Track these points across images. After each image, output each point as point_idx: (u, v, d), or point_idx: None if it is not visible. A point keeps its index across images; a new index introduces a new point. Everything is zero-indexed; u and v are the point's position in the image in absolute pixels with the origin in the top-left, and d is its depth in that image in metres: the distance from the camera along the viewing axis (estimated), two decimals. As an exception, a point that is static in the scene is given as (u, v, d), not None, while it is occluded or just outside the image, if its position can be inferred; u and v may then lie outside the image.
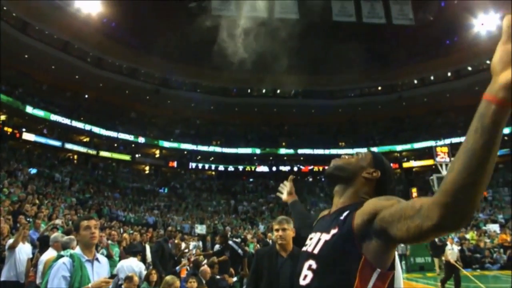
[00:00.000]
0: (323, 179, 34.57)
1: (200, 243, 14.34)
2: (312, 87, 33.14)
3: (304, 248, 1.31)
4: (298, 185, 32.81)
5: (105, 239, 6.75)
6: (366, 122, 34.49)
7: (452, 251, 9.36)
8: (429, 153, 28.00)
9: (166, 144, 32.10)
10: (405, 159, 33.72)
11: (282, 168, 33.94)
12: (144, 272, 5.15)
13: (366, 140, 33.87)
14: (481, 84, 30.10)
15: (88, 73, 27.24)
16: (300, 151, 34.14)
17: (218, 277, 6.96)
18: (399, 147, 33.23)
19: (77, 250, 2.61)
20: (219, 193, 30.65)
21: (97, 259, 2.64)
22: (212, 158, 34.12)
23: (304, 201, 28.62)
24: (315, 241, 1.23)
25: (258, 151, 34.04)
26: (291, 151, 34.27)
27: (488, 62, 29.54)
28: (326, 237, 1.19)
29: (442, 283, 9.15)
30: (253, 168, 33.78)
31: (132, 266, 5.11)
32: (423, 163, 31.40)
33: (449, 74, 31.45)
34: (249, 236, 16.73)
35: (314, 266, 1.18)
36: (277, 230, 2.77)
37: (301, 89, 34.11)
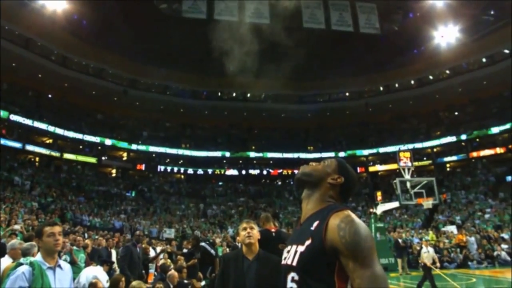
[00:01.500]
0: (292, 183, 35.01)
1: (169, 246, 14.13)
2: (282, 92, 33.56)
3: (283, 262, 1.39)
4: (267, 189, 33.16)
5: (69, 245, 6.55)
6: (334, 127, 35.28)
7: (427, 253, 9.47)
8: (394, 157, 28.97)
9: (134, 146, 31.44)
10: (371, 163, 34.74)
11: (252, 171, 34.08)
12: (107, 284, 5.03)
13: (334, 145, 34.65)
14: (440, 92, 31.77)
15: (52, 72, 26.24)
16: (269, 154, 34.43)
17: (186, 281, 6.94)
18: (365, 152, 34.21)
19: (38, 257, 2.51)
20: (188, 196, 30.34)
21: (59, 265, 2.56)
22: (181, 161, 33.74)
23: (273, 204, 28.88)
24: (292, 253, 1.32)
25: (227, 154, 34.01)
26: (260, 154, 34.50)
27: (448, 72, 31.15)
28: (301, 249, 1.29)
29: (418, 285, 9.27)
30: (222, 171, 33.69)
31: (96, 276, 4.97)
32: (388, 167, 32.50)
33: (412, 82, 32.80)
34: (218, 240, 16.68)
35: (296, 277, 1.28)
36: (245, 228, 2.77)
37: (270, 94, 34.49)
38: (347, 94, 35.16)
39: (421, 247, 10.04)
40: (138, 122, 33.44)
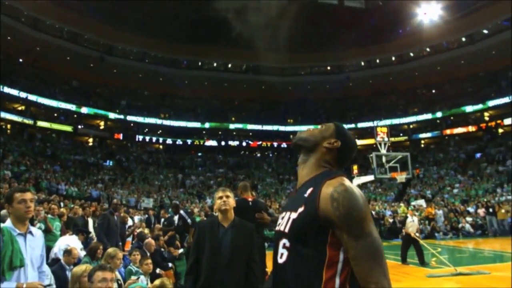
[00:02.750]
0: (271, 155, 35.37)
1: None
2: (263, 63, 33.23)
3: (277, 228, 1.36)
4: (246, 160, 33.39)
5: (43, 213, 6.49)
6: (314, 100, 35.40)
7: (412, 223, 9.13)
8: (371, 132, 29.54)
9: (112, 115, 30.78)
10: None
11: (231, 142, 34.17)
12: (82, 253, 5.04)
13: (314, 118, 34.85)
14: (420, 69, 32.09)
15: (22, 35, 24.97)
16: (249, 126, 34.48)
17: (163, 249, 7.06)
18: (344, 126, 34.61)
19: (8, 223, 2.44)
20: (167, 167, 30.26)
21: (30, 232, 2.51)
22: (160, 131, 33.37)
23: (251, 176, 29.20)
24: (286, 220, 1.29)
25: (207, 125, 33.84)
26: (240, 126, 34.50)
27: (428, 49, 31.44)
28: (293, 215, 1.26)
29: (402, 256, 8.96)
30: (201, 142, 33.62)
31: (69, 244, 4.97)
32: (365, 141, 33.10)
33: (393, 58, 33.01)
34: (196, 210, 16.88)
35: (287, 244, 1.26)
36: (220, 197, 2.78)
37: (252, 65, 34.09)
38: (328, 68, 35.16)
39: (406, 216, 9.64)
40: (115, 90, 32.58)
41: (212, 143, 33.83)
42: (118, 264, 3.75)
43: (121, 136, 31.15)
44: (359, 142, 34.48)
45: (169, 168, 29.92)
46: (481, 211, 17.36)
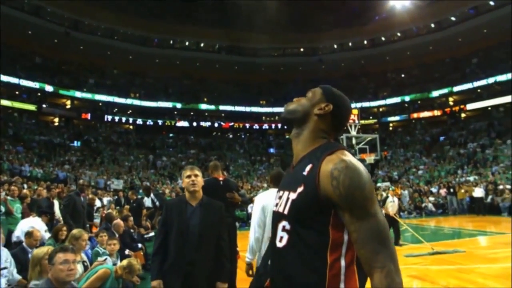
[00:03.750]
0: (243, 136, 35.37)
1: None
2: (236, 44, 32.80)
3: (275, 208, 1.26)
4: (218, 141, 33.27)
5: (3, 194, 6.23)
6: (287, 82, 35.47)
7: (393, 203, 8.99)
8: (342, 115, 29.93)
9: (79, 94, 29.63)
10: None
11: (203, 123, 33.87)
12: (46, 234, 4.90)
13: (286, 100, 34.43)
14: (391, 54, 32.65)
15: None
16: (221, 107, 34.22)
17: (132, 230, 6.99)
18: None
19: None
20: (137, 147, 29.69)
21: None
22: (130, 111, 32.53)
23: (223, 157, 29.18)
24: (284, 200, 1.19)
25: (178, 105, 33.29)
26: (212, 107, 34.18)
27: (399, 34, 31.99)
28: (292, 196, 1.15)
29: None
30: (173, 122, 33.12)
31: (33, 226, 4.83)
32: (336, 124, 33.65)
33: (365, 42, 33.40)
34: (167, 191, 16.77)
35: (287, 227, 1.16)
36: (189, 176, 2.69)
37: (225, 45, 33.57)
38: (301, 49, 35.15)
39: (387, 196, 9.49)
40: (83, 68, 31.30)
41: (183, 123, 33.40)
42: (83, 246, 3.67)
43: (89, 116, 30.14)
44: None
45: (140, 149, 29.38)
46: (443, 191, 18.24)
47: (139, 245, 6.25)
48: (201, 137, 33.22)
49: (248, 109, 34.70)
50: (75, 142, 27.03)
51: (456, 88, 29.77)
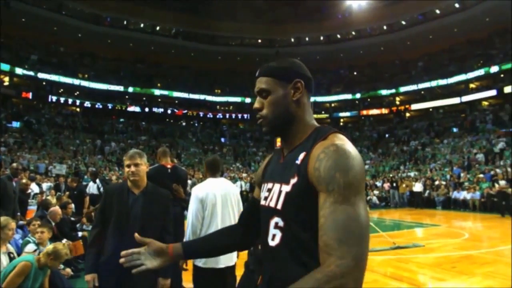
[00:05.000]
0: (196, 124, 34.88)
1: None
2: (194, 30, 32.09)
3: (263, 202, 1.12)
4: (170, 128, 32.56)
5: None
6: (243, 72, 35.37)
7: None
8: (296, 108, 30.48)
9: (19, 71, 27.38)
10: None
11: (156, 110, 32.92)
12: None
13: (242, 91, 34.98)
14: (345, 51, 33.64)
15: None
16: (175, 94, 33.41)
17: (73, 218, 6.62)
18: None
19: None
20: (84, 131, 28.21)
21: None
22: (78, 92, 30.76)
23: (175, 145, 28.60)
24: (276, 194, 1.05)
25: (130, 89, 32.02)
26: (165, 93, 33.25)
27: (353, 33, 33.01)
28: (286, 188, 1.02)
29: None
30: (124, 107, 31.82)
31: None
32: (290, 117, 34.28)
33: (321, 38, 34.11)
34: (114, 178, 16.14)
35: (281, 223, 1.02)
36: (128, 165, 2.45)
37: (182, 29, 32.71)
38: (259, 41, 35.14)
39: None
40: (24, 42, 28.94)
41: (135, 108, 32.22)
42: (10, 235, 3.34)
43: (30, 95, 28.00)
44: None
45: (87, 133, 27.95)
46: (387, 185, 19.29)
47: (80, 234, 5.93)
48: (153, 123, 32.28)
49: (202, 97, 34.22)
50: (14, 122, 25.08)
51: (402, 89, 31.44)
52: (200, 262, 2.79)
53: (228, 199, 2.95)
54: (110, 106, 31.25)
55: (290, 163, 1.05)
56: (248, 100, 34.94)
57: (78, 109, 31.08)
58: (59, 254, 3.05)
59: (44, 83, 28.75)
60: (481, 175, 16.99)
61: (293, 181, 1.01)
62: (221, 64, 34.76)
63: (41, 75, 28.15)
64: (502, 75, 26.22)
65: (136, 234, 1.23)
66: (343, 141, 0.99)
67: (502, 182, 13.90)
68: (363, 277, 0.85)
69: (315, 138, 1.05)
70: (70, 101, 29.98)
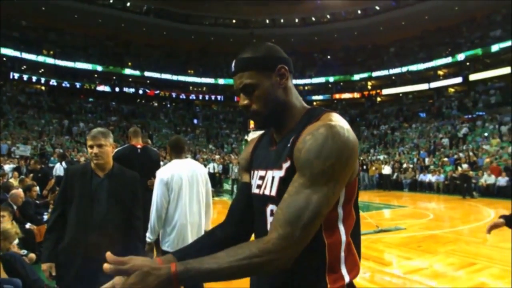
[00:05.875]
0: (168, 105, 34.22)
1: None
2: (166, 7, 31.06)
3: (257, 191, 1.08)
4: (142, 109, 31.82)
5: None
6: (217, 53, 34.80)
7: None
8: (269, 91, 30.46)
9: (-24, 45, 25.75)
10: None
11: (126, 89, 31.97)
12: None
13: (215, 72, 34.49)
14: (319, 35, 33.69)
15: None
16: (146, 73, 32.47)
17: (38, 202, 6.38)
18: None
19: None
20: (50, 111, 27.06)
21: None
22: (42, 70, 29.32)
23: (147, 126, 28.03)
24: (269, 181, 1.03)
25: (99, 68, 30.84)
26: (137, 72, 32.26)
27: (328, 16, 32.99)
28: (279, 173, 1.00)
29: None
30: (93, 86, 30.69)
31: None
32: (263, 99, 34.27)
33: (296, 20, 33.91)
34: (82, 159, 15.67)
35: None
36: (91, 146, 2.24)
37: (154, 7, 31.58)
38: (233, 21, 34.52)
39: None
40: (-18, 15, 27.09)
41: (104, 88, 31.16)
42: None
43: (-11, 72, 26.48)
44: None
45: (53, 113, 26.83)
46: (357, 168, 19.78)
47: (45, 218, 5.72)
48: (124, 103, 31.38)
49: (175, 77, 33.48)
50: (-27, 100, 23.69)
51: (374, 74, 31.95)
52: (169, 247, 2.72)
53: (195, 180, 2.85)
54: (78, 85, 30.07)
55: (282, 148, 1.03)
56: (221, 81, 34.53)
57: (43, 88, 29.72)
58: (8, 234, 2.88)
59: (5, 59, 27.17)
60: (446, 159, 17.73)
61: (286, 165, 0.99)
62: (194, 44, 34.01)
63: (2, 51, 26.54)
64: (467, 63, 27.15)
65: (109, 253, 0.93)
66: (336, 121, 0.95)
67: (465, 166, 14.54)
68: (292, 260, 0.88)
69: (307, 120, 1.02)
70: (34, 78, 28.59)
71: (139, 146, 3.86)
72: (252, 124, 17.52)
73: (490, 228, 2.41)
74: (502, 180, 14.13)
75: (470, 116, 23.47)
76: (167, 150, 3.03)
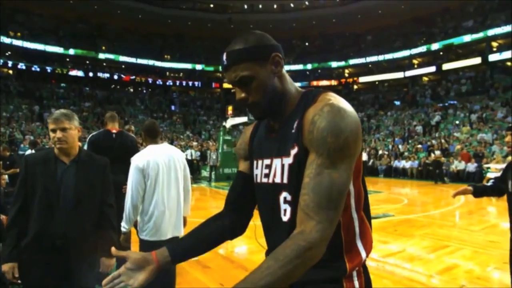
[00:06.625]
0: (144, 91, 33.51)
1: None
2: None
3: (265, 180, 1.06)
4: (117, 95, 31.05)
5: None
6: (194, 38, 34.17)
7: None
8: (248, 77, 30.33)
9: None
10: (226, 80, 35.86)
11: (100, 74, 31.01)
12: None
13: (192, 57, 33.92)
14: (298, 21, 33.60)
15: None
16: (121, 58, 31.54)
17: (7, 190, 6.14)
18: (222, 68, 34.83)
19: None
20: (19, 96, 25.97)
21: None
22: (9, 52, 27.96)
23: (122, 113, 27.39)
24: (278, 168, 1.01)
25: (71, 51, 29.68)
26: (111, 57, 31.29)
27: (307, 3, 32.86)
28: (288, 160, 0.99)
29: None
30: (65, 71, 29.58)
31: None
32: (241, 85, 34.16)
33: (275, 6, 33.61)
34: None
35: (289, 198, 0.99)
36: (53, 130, 2.04)
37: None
38: (211, 5, 33.87)
39: None
40: None
41: (78, 73, 30.10)
42: None
43: (-48, 54, 25.07)
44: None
45: (22, 98, 25.78)
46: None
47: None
48: (98, 89, 30.48)
49: (151, 62, 32.69)
50: None
51: (352, 61, 32.24)
52: (147, 236, 2.65)
53: (172, 166, 2.75)
54: (49, 69, 28.91)
55: (286, 134, 1.01)
56: (199, 67, 34.01)
57: (10, 71, 28.41)
58: None
59: (-32, 40, 25.76)
60: (419, 146, 18.24)
61: (294, 151, 0.98)
62: (171, 29, 33.25)
63: (-35, 31, 25.14)
64: (441, 53, 27.79)
65: (113, 248, 0.98)
66: (336, 99, 0.96)
67: (437, 152, 15.00)
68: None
69: (305, 103, 1.01)
70: (1, 62, 27.24)
71: (114, 131, 3.72)
72: (230, 110, 17.41)
73: (456, 193, 2.51)
74: (471, 166, 14.69)
75: (442, 104, 24.15)
76: (142, 135, 2.90)
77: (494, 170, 12.55)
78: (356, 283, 0.99)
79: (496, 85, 23.20)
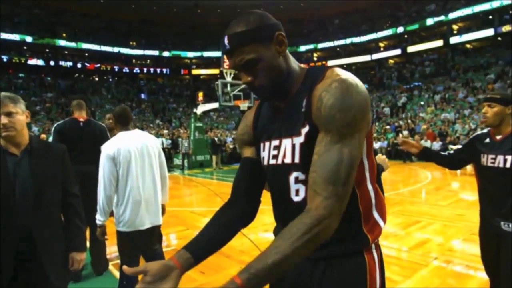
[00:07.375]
0: (110, 80, 32.41)
1: None
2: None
3: (273, 161, 1.04)
4: (82, 84, 29.87)
5: None
6: (160, 24, 33.21)
7: None
8: (216, 62, 30.01)
9: None
10: (195, 66, 35.20)
11: (63, 63, 29.65)
12: None
13: (159, 43, 33.03)
14: (265, 6, 33.07)
15: None
16: (84, 45, 30.26)
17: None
18: (190, 54, 34.12)
19: None
20: (-26, 87, 24.44)
21: None
22: (-40, 41, 26.15)
23: (88, 102, 26.32)
24: (289, 148, 0.99)
25: (29, 39, 28.12)
26: (73, 44, 29.93)
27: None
28: (299, 139, 0.96)
29: None
30: (23, 60, 28.04)
31: None
32: (210, 71, 33.71)
33: (241, -11, 33.04)
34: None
35: (302, 177, 0.97)
36: None
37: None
38: (176, -10, 32.93)
39: (223, 144, 9.48)
40: None
41: (37, 62, 28.62)
42: None
43: None
44: (204, 71, 34.79)
45: (-23, 89, 24.26)
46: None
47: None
48: (60, 78, 29.16)
49: (116, 49, 31.57)
50: None
51: (320, 45, 32.48)
52: (124, 227, 2.56)
53: (146, 152, 2.65)
54: (5, 58, 27.30)
55: (294, 113, 0.99)
56: (166, 53, 33.20)
57: (-37, 61, 26.64)
58: None
59: None
60: (388, 127, 18.74)
61: (305, 130, 0.96)
62: (135, 15, 32.10)
63: None
64: (406, 36, 28.48)
65: (125, 267, 0.88)
66: (344, 74, 0.93)
67: (405, 132, 15.49)
68: (343, 212, 0.88)
69: (311, 81, 0.98)
70: (-49, 51, 25.47)
71: (81, 120, 3.55)
72: (201, 96, 17.14)
73: (403, 142, 2.34)
74: (437, 145, 15.26)
75: (408, 86, 24.86)
76: (113, 122, 2.75)
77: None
78: (375, 255, 1.02)
79: (457, 66, 24.11)
